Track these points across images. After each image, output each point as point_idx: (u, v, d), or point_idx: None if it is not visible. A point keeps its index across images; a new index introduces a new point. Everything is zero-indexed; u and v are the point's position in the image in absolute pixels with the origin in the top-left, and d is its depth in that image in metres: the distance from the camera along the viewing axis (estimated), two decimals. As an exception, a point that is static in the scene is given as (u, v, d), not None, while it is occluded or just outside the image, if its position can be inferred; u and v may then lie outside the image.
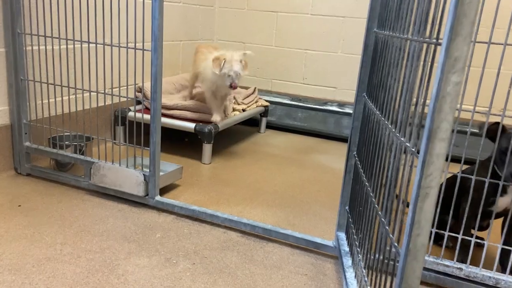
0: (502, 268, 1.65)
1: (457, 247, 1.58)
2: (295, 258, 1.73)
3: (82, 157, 2.13)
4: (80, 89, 2.20)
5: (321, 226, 2.01)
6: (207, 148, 2.70)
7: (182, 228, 1.89)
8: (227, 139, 3.30)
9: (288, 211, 2.15)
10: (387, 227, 1.07)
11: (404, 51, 1.07)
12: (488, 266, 1.69)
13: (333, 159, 3.05)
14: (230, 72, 2.48)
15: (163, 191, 2.20)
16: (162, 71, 1.90)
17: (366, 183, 1.39)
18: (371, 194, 1.30)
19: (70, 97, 2.47)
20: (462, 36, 0.74)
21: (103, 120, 2.80)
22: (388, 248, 1.05)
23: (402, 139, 1.02)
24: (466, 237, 1.60)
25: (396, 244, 0.97)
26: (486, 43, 1.41)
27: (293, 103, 3.70)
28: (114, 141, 2.81)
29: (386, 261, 1.08)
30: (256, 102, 3.47)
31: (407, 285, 0.85)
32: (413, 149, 0.94)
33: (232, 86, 2.50)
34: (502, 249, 1.64)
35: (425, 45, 0.91)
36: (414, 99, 0.96)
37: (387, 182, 1.10)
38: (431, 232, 1.89)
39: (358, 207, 1.51)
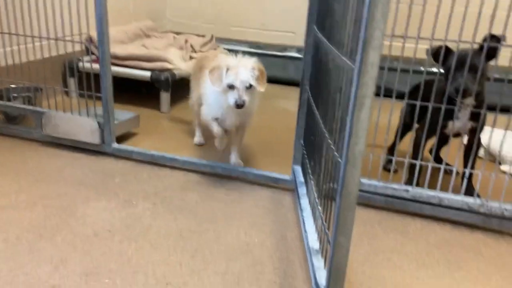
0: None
1: (416, 171, 1.66)
2: (255, 193, 1.78)
3: (31, 107, 2.06)
4: (25, 36, 2.08)
5: (279, 163, 2.06)
6: (165, 96, 2.66)
7: (142, 173, 1.89)
8: (185, 88, 3.25)
9: (248, 152, 2.19)
10: (329, 140, 1.11)
11: (345, -29, 1.07)
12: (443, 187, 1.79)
13: (293, 104, 3.08)
14: (236, 82, 1.65)
15: (121, 139, 2.18)
16: (107, 12, 1.82)
17: (316, 112, 1.43)
18: (320, 120, 1.34)
19: (15, 47, 2.34)
20: None
21: (53, 71, 2.68)
22: (332, 161, 1.10)
23: (344, 58, 1.04)
24: (412, 161, 1.69)
25: (337, 154, 1.02)
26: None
27: (252, 50, 3.65)
28: (65, 89, 2.72)
29: (332, 182, 1.13)
30: (214, 50, 3.41)
31: (347, 192, 0.91)
32: (355, 66, 0.97)
33: (238, 105, 1.66)
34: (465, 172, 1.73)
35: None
36: (354, 18, 0.97)
37: (331, 103, 1.14)
38: (390, 160, 1.99)
39: (310, 137, 1.56)
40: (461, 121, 1.65)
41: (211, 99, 1.82)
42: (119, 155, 2.01)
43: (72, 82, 2.73)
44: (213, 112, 1.82)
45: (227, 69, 1.66)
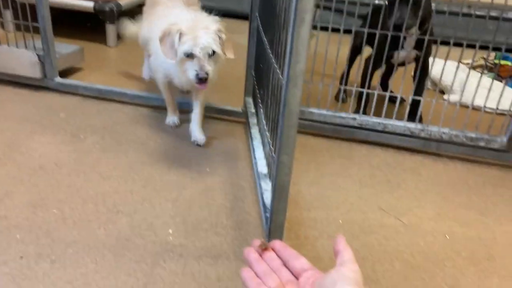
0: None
1: (363, 100, 1.71)
2: (208, 127, 1.78)
3: (-39, 40, 1.89)
4: None
5: (232, 98, 2.04)
6: (111, 29, 2.52)
7: (89, 108, 1.83)
8: (134, 19, 3.08)
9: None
10: (275, 64, 1.11)
11: None
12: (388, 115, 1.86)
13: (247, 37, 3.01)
14: (195, 49, 1.34)
15: (65, 74, 2.07)
16: None
17: (265, 39, 1.41)
18: (267, 46, 1.33)
19: None
20: None
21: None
22: (278, 85, 1.10)
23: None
24: (360, 89, 1.74)
25: (281, 75, 1.02)
26: None
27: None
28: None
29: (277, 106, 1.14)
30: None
31: (289, 110, 0.92)
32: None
33: (200, 80, 1.36)
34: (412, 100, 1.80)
35: None
36: None
37: (277, 26, 1.12)
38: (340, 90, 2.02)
39: (260, 65, 1.55)
40: (406, 51, 1.69)
41: (161, 62, 1.52)
42: (64, 90, 1.93)
43: (7, 14, 2.51)
44: (164, 68, 1.50)
45: (181, 34, 1.35)
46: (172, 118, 1.74)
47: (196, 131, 1.61)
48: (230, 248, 1.15)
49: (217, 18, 1.44)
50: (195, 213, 1.26)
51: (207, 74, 1.35)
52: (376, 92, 1.66)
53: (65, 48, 2.09)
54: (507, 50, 1.75)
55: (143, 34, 1.80)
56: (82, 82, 1.92)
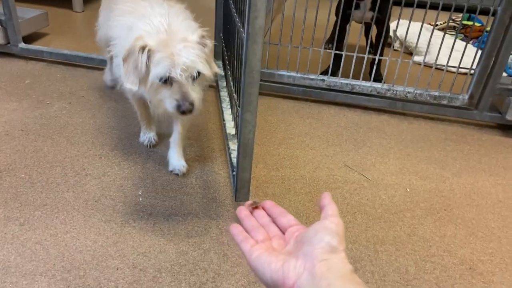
0: (370, 77, 1.83)
1: (331, 61, 1.72)
2: (176, 90, 1.77)
3: None
4: None
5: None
6: (76, -7, 2.43)
7: (55, 73, 1.79)
8: None
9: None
10: (238, 23, 1.11)
11: None
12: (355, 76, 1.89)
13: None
14: (173, 72, 1.01)
15: (29, 39, 2.01)
16: None
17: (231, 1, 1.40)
18: (232, 5, 1.32)
19: None
20: None
21: None
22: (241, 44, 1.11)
23: None
24: (327, 49, 1.75)
25: (242, 30, 1.02)
26: None
27: None
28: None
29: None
30: None
31: (250, 68, 0.93)
32: None
33: (183, 113, 1.03)
34: (370, 60, 1.82)
35: None
36: None
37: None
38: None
39: (227, 26, 1.54)
40: (362, 11, 1.71)
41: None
42: (29, 56, 1.87)
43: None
44: (132, 81, 1.05)
45: (150, 51, 1.01)
46: (147, 135, 1.39)
47: (175, 158, 1.29)
48: (200, 206, 1.18)
49: (193, 24, 1.12)
50: (164, 175, 1.28)
51: (192, 105, 1.02)
52: (343, 53, 1.67)
53: (28, 12, 2.02)
54: (471, 11, 1.78)
55: (101, 32, 1.46)
56: (47, 48, 1.87)
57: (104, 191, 1.19)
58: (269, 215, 0.67)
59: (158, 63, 1.00)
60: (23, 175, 1.22)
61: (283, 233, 0.63)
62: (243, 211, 0.67)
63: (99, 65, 1.86)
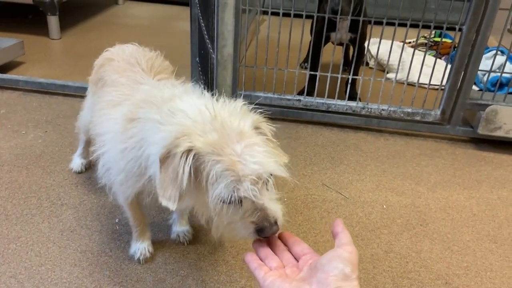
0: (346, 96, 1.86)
1: (306, 80, 1.75)
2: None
3: None
4: None
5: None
6: (53, 20, 2.44)
7: (31, 102, 1.78)
8: (78, 13, 2.99)
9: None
10: (209, 47, 1.13)
11: None
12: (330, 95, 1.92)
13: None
14: (241, 190, 0.72)
15: (4, 69, 2.00)
16: None
17: (202, 24, 1.42)
18: (204, 32, 1.34)
19: None
20: None
21: None
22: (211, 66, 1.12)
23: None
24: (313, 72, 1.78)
25: (214, 56, 1.04)
26: None
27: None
28: None
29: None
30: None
31: (220, 92, 0.95)
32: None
33: (267, 235, 0.74)
34: (344, 79, 1.85)
35: None
36: None
37: (211, 12, 1.14)
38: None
39: (201, 52, 1.56)
40: (340, 33, 1.75)
41: (116, 155, 0.91)
42: (4, 86, 1.86)
43: None
44: (170, 196, 0.78)
45: (198, 156, 0.75)
46: (141, 245, 1.08)
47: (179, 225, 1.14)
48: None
49: (241, 105, 0.85)
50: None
51: (276, 223, 0.74)
52: (318, 74, 1.71)
53: (3, 42, 2.02)
54: (440, 28, 1.84)
55: (84, 119, 1.25)
56: (23, 76, 1.87)
57: (80, 221, 1.18)
58: (284, 244, 0.68)
59: (216, 179, 0.73)
60: (-4, 208, 1.20)
61: (297, 261, 0.64)
62: (257, 242, 0.68)
63: (75, 92, 1.86)
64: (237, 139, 0.74)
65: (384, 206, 1.33)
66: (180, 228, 1.13)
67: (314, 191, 1.38)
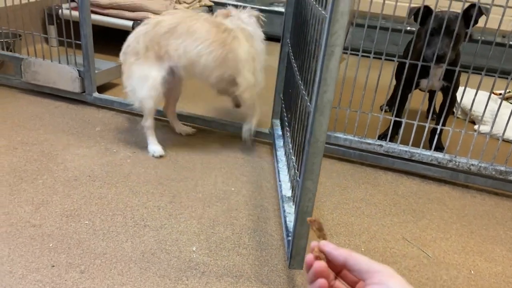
0: (430, 146, 1.80)
1: (390, 126, 1.72)
2: (234, 146, 1.82)
3: (10, 53, 2.02)
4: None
5: (260, 119, 2.08)
6: (147, 47, 2.62)
7: (123, 123, 1.91)
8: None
9: (230, 107, 2.21)
10: (303, 91, 1.14)
11: None
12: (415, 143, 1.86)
13: (277, 60, 3.07)
14: None
15: (102, 89, 2.17)
16: (86, -44, 1.76)
17: (294, 65, 1.45)
18: (297, 72, 1.36)
19: (-10, -9, 2.26)
20: None
21: (32, 18, 2.60)
22: (305, 111, 1.13)
23: (320, 8, 1.05)
24: (398, 119, 1.74)
25: (308, 102, 1.05)
26: None
27: (239, 3, 3.57)
28: (44, 35, 2.66)
29: (304, 132, 1.17)
30: (200, 1, 3.33)
31: (315, 139, 0.95)
32: (327, 15, 0.98)
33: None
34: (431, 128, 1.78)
35: None
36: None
37: (307, 54, 1.16)
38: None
39: (288, 90, 1.58)
40: (433, 80, 1.69)
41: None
42: (100, 105, 2.02)
43: (52, 29, 2.66)
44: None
45: None
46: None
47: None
48: (252, 269, 1.16)
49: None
50: (218, 232, 1.29)
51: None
52: (403, 120, 1.66)
53: (104, 64, 2.20)
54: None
55: (149, 82, 1.61)
56: (117, 98, 2.01)
57: (160, 244, 1.22)
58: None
59: None
60: (87, 221, 1.27)
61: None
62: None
63: (161, 116, 1.96)
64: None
65: (472, 272, 1.23)
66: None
67: (394, 244, 1.31)
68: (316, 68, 1.02)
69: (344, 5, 0.83)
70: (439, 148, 1.75)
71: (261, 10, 3.55)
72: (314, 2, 1.13)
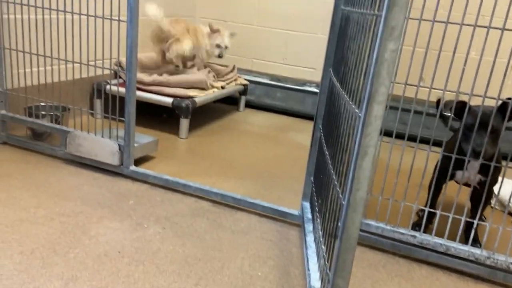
0: (466, 239, 1.74)
1: (424, 217, 1.68)
2: (262, 226, 1.81)
3: (57, 126, 2.17)
4: (57, 59, 2.22)
5: (289, 197, 2.09)
6: (184, 122, 2.75)
7: (155, 196, 1.95)
8: (205, 116, 3.35)
9: (260, 183, 2.23)
10: (335, 181, 1.15)
11: (359, 24, 1.14)
12: (451, 236, 1.79)
13: (308, 137, 3.13)
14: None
15: (138, 162, 2.26)
16: (137, 43, 1.94)
17: (326, 152, 1.48)
18: (329, 161, 1.39)
19: (47, 68, 2.48)
20: (399, 7, 0.81)
21: (81, 92, 2.81)
22: (337, 202, 1.13)
23: (353, 106, 1.10)
24: (432, 210, 1.70)
25: (340, 194, 1.05)
26: (443, 22, 1.48)
27: (273, 82, 3.75)
28: (90, 111, 2.85)
29: (336, 222, 1.17)
30: (235, 80, 3.52)
31: (347, 235, 0.94)
32: (361, 115, 1.02)
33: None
34: (466, 221, 1.73)
35: (372, 18, 0.98)
36: (364, 69, 1.03)
37: (340, 145, 1.18)
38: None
39: (320, 175, 1.60)
40: (469, 173, 1.67)
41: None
42: (136, 178, 2.09)
43: (98, 104, 2.86)
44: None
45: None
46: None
47: None
48: None
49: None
50: (243, 322, 1.25)
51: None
52: (438, 212, 1.62)
53: (143, 138, 2.31)
54: None
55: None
56: (152, 172, 2.08)
57: (183, 332, 1.18)
58: None
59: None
60: (112, 301, 1.27)
61: None
62: None
63: (194, 192, 2.00)
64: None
65: None
66: None
67: None
68: (348, 161, 1.04)
69: (378, 110, 0.86)
70: (476, 241, 1.67)
71: (293, 90, 3.72)
72: (348, 99, 1.18)
